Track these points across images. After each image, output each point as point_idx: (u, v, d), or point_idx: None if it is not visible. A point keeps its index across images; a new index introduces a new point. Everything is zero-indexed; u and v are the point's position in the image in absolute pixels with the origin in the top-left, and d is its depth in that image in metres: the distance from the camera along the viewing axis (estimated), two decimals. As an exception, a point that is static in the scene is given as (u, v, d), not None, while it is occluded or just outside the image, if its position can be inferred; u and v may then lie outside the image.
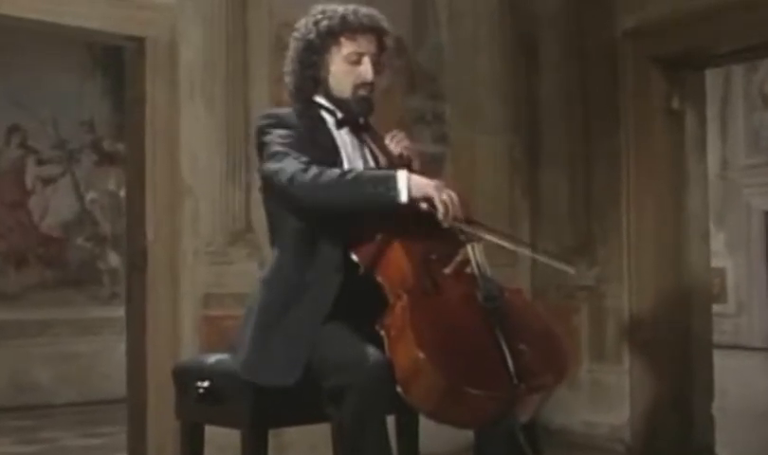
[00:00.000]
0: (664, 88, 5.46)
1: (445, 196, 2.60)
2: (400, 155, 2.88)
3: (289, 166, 2.70)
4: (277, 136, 2.79)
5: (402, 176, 2.62)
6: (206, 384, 2.88)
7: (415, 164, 2.88)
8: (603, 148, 5.59)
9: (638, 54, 5.47)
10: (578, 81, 5.71)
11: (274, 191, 2.78)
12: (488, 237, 2.71)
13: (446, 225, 2.61)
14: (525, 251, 2.85)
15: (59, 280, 8.03)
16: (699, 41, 5.30)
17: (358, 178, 2.65)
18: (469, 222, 2.68)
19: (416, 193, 2.61)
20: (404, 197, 2.60)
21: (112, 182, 8.25)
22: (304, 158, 2.72)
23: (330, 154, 2.82)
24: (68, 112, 8.05)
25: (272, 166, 2.75)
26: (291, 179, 2.68)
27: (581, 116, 5.70)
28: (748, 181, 11.31)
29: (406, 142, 2.93)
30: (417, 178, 2.64)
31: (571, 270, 2.86)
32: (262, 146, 2.82)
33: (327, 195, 2.66)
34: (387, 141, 2.91)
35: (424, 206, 2.61)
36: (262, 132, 2.84)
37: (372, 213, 2.67)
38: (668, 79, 5.47)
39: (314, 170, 2.67)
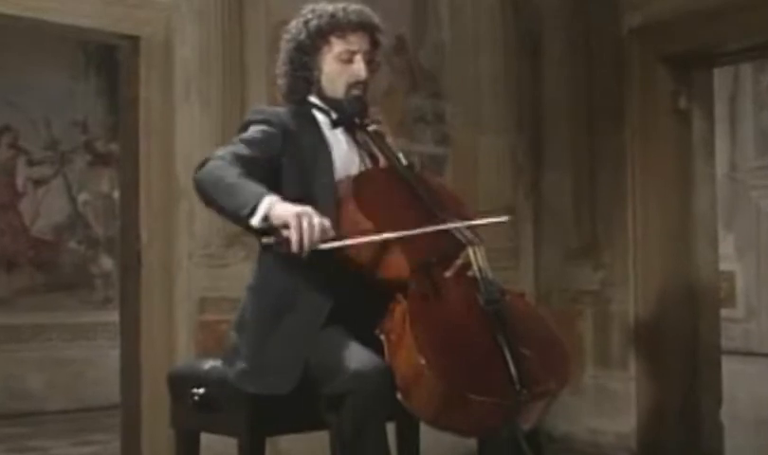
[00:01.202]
0: (670, 87, 5.47)
1: (305, 223, 2.45)
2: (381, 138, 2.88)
3: (215, 154, 2.69)
4: (250, 131, 2.79)
5: (266, 200, 2.51)
6: (202, 391, 2.89)
7: (389, 139, 2.90)
8: (608, 149, 5.60)
9: (644, 52, 5.48)
10: (583, 80, 5.71)
11: None
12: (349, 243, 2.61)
13: (304, 255, 2.48)
14: (446, 226, 2.75)
15: (50, 283, 8.02)
16: (707, 39, 5.30)
17: (233, 186, 2.57)
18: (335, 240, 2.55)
19: (275, 220, 2.50)
20: (256, 221, 2.50)
21: (105, 184, 8.25)
22: (246, 152, 2.69)
23: (318, 154, 2.83)
24: (61, 112, 8.05)
25: None
26: (200, 165, 2.67)
27: (586, 115, 5.71)
28: (757, 182, 11.28)
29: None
30: (282, 206, 2.51)
31: (503, 219, 2.80)
32: None
33: (205, 191, 2.62)
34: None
35: (285, 233, 2.49)
36: (244, 126, 2.86)
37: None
38: (675, 78, 5.48)
39: (221, 162, 2.63)
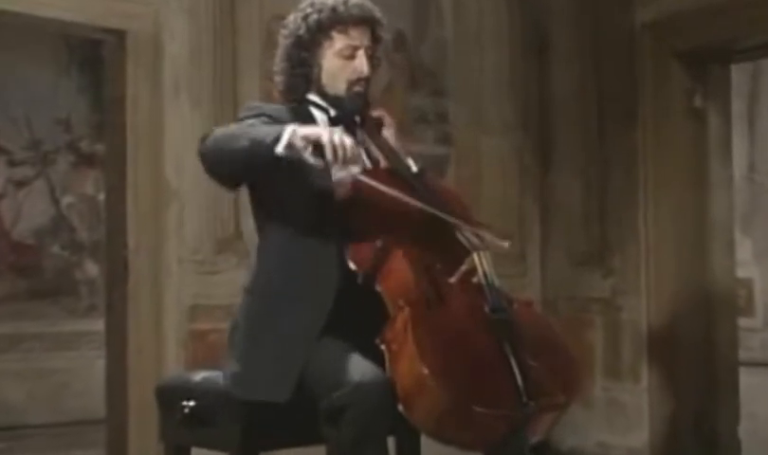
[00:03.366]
0: (685, 85, 5.49)
1: (336, 138, 2.54)
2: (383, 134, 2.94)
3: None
4: (248, 121, 2.83)
5: (289, 128, 2.58)
6: (192, 403, 2.90)
7: (393, 141, 2.95)
8: (619, 149, 5.62)
9: (658, 48, 5.49)
10: (593, 78, 5.73)
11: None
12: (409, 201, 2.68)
13: (339, 172, 2.58)
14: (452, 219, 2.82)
15: (32, 290, 8.01)
16: (723, 33, 5.32)
17: (249, 132, 2.65)
18: (370, 171, 2.65)
19: (298, 141, 2.55)
20: (280, 148, 2.55)
21: (90, 185, 8.25)
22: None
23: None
24: (43, 110, 8.04)
25: None
26: (207, 134, 2.75)
27: (596, 115, 5.72)
28: (777, 185, 11.30)
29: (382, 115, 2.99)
30: (306, 127, 2.61)
31: (505, 245, 2.82)
32: None
33: (218, 148, 2.69)
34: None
35: (308, 155, 2.54)
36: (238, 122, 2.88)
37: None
38: (691, 74, 5.49)
39: (226, 128, 2.72)
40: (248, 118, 2.84)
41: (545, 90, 5.98)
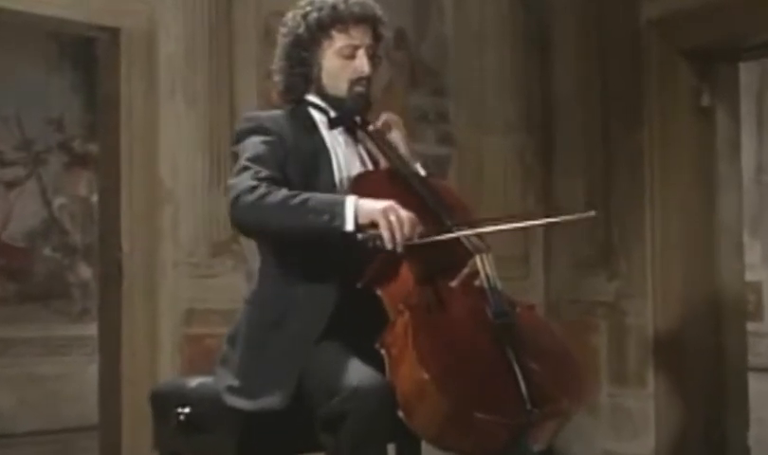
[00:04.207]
0: (692, 83, 5.49)
1: (393, 218, 2.56)
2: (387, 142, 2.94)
3: (241, 182, 2.70)
4: (249, 145, 2.81)
5: (350, 202, 2.60)
6: (187, 410, 2.90)
7: (402, 144, 2.97)
8: (624, 150, 5.62)
9: (664, 45, 5.50)
10: (597, 76, 5.73)
11: None
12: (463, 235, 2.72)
13: (399, 250, 2.58)
14: (529, 223, 2.86)
15: (23, 294, 8.00)
16: (732, 31, 5.32)
17: (303, 204, 2.63)
18: (427, 236, 2.64)
19: (363, 220, 2.59)
20: (350, 226, 2.58)
21: (83, 186, 8.25)
22: (265, 173, 2.71)
23: (318, 157, 2.86)
24: (34, 109, 8.03)
25: (230, 181, 2.77)
26: (237, 198, 2.68)
27: (600, 114, 5.73)
28: (786, 186, 11.29)
29: (390, 118, 3.00)
30: (366, 202, 2.61)
31: (591, 214, 2.83)
32: (235, 154, 2.86)
33: (266, 220, 2.66)
34: (379, 123, 2.98)
35: (373, 231, 2.58)
36: (238, 137, 2.89)
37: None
38: (698, 73, 5.49)
39: (261, 190, 2.66)
40: (246, 133, 2.85)
41: (548, 89, 5.98)
